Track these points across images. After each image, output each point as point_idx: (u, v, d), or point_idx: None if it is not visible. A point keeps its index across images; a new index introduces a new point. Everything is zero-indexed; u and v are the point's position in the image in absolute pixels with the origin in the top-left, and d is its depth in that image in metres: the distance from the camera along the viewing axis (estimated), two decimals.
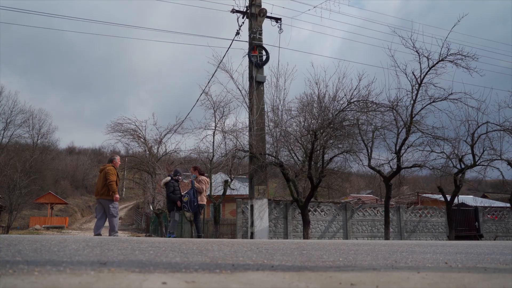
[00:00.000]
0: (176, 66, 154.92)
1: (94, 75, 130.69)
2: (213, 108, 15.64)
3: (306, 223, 13.58)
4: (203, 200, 10.60)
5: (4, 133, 42.55)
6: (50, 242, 2.94)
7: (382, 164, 15.17)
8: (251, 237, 12.43)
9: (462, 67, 13.64)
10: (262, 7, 13.80)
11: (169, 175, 11.26)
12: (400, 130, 14.15)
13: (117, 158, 9.31)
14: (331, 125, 12.74)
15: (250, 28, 13.69)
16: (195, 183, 10.46)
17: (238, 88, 13.87)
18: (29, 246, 2.65)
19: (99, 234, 8.64)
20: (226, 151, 15.06)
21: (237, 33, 13.94)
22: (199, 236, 10.49)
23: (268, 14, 13.88)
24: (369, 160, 14.60)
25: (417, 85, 13.95)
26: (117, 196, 8.70)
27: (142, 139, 21.74)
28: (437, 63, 13.70)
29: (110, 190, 8.64)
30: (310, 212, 15.31)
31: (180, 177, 11.00)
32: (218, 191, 17.80)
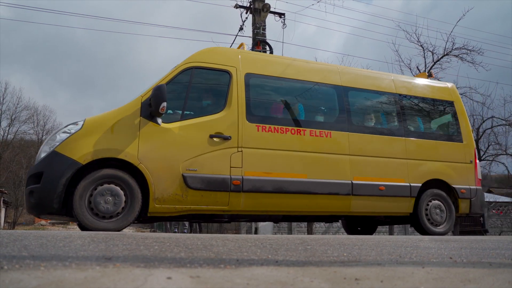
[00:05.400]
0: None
1: (101, 74, 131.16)
2: None
3: None
4: None
5: (9, 129, 42.75)
6: (56, 238, 2.96)
7: None
8: (255, 233, 12.46)
9: (467, 61, 13.61)
10: (266, 2, 13.74)
11: None
12: None
13: None
14: None
15: (254, 24, 13.64)
16: None
17: None
18: (35, 241, 2.67)
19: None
20: None
21: (241, 29, 13.90)
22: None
23: (271, 9, 13.82)
24: None
25: None
26: None
27: None
28: (442, 57, 13.65)
29: None
30: None
31: None
32: None
